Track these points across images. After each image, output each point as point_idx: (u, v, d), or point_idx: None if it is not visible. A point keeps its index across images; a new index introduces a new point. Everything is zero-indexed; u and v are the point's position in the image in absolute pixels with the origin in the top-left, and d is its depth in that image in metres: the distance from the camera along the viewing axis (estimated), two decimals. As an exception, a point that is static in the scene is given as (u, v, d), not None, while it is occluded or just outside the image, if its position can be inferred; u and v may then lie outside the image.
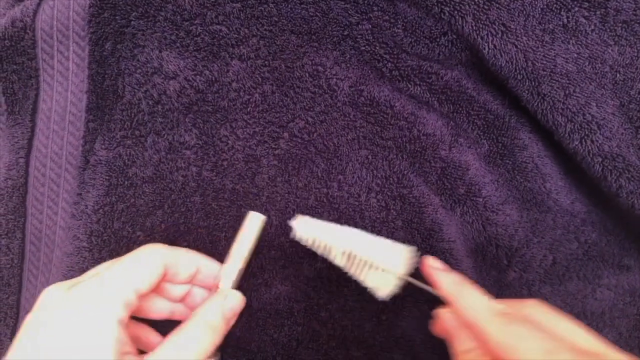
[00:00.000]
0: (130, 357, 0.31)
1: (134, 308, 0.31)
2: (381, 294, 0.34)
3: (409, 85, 0.37)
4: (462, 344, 0.30)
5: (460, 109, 0.37)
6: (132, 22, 0.37)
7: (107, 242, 0.37)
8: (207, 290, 0.37)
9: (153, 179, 0.37)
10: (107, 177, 0.38)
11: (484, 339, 0.28)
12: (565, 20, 0.34)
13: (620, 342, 0.41)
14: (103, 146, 0.38)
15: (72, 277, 0.37)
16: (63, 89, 0.39)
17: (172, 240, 0.37)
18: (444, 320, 0.32)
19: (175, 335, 0.31)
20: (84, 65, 0.39)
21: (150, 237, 0.37)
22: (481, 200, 0.37)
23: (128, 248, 0.37)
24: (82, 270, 0.37)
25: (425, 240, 0.37)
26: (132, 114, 0.38)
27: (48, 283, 0.40)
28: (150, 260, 0.32)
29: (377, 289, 0.34)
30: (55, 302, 0.29)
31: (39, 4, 0.39)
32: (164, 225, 0.37)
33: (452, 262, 0.37)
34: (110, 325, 0.28)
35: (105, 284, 0.30)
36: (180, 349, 0.30)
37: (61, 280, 0.38)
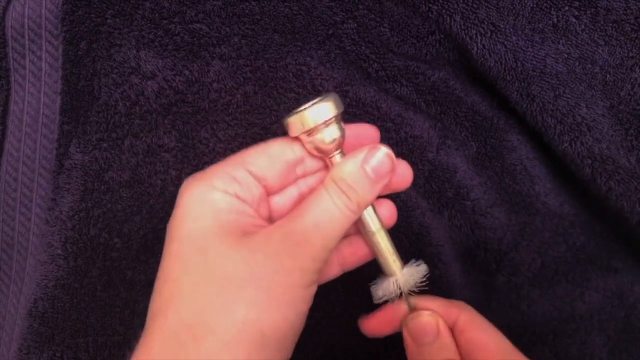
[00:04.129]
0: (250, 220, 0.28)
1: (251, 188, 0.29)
2: (378, 295, 0.31)
3: (396, 86, 0.36)
4: (441, 352, 0.29)
5: (448, 110, 0.36)
6: (108, 21, 0.36)
7: (83, 250, 0.36)
8: None
9: (130, 183, 0.36)
10: (82, 182, 0.36)
11: None
12: (556, 20, 0.33)
13: (609, 344, 0.41)
14: (78, 149, 0.37)
15: (46, 286, 0.36)
16: (36, 90, 0.38)
17: (150, 247, 0.36)
18: (425, 322, 0.30)
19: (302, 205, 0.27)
20: (58, 66, 0.37)
21: (128, 244, 0.36)
22: (469, 203, 0.36)
23: (105, 255, 0.36)
24: (57, 279, 0.36)
25: (413, 245, 0.36)
26: (109, 116, 0.36)
27: (21, 293, 0.38)
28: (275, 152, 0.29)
29: (379, 289, 0.31)
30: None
31: (9, 2, 0.37)
32: (142, 232, 0.36)
33: (440, 266, 0.36)
34: (212, 196, 0.27)
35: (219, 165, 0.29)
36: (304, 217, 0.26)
37: (35, 290, 0.36)
